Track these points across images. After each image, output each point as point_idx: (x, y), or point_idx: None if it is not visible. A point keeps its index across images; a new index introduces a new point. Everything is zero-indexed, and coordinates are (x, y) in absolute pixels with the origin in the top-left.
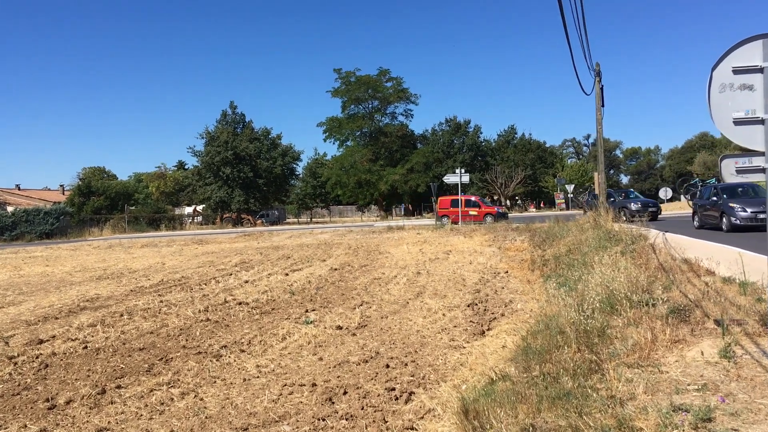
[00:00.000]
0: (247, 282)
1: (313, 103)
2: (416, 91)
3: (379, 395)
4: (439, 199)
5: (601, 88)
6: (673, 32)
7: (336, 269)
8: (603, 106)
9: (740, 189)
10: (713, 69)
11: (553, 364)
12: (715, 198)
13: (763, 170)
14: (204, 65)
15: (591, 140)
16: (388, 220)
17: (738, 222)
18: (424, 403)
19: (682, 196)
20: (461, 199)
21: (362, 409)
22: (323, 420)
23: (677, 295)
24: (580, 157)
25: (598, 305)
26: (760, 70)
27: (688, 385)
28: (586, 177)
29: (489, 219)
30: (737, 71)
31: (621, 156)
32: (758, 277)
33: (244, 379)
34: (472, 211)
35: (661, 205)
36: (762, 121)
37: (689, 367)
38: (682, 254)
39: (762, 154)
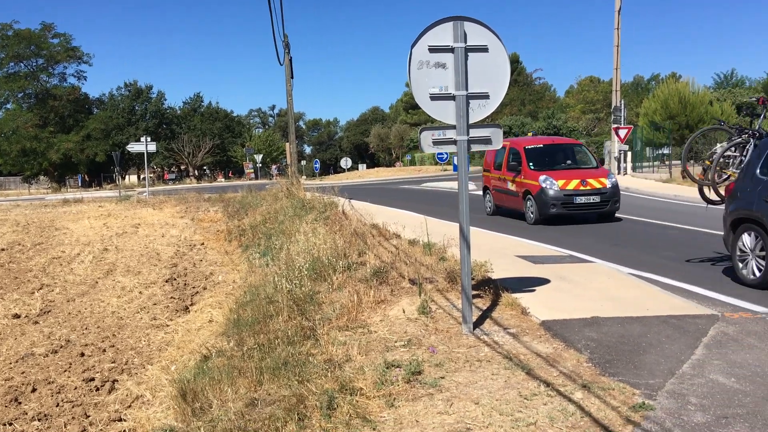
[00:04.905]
0: None
1: None
2: (90, 51)
3: (76, 388)
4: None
5: (290, 60)
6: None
7: (3, 249)
8: (292, 77)
9: None
10: (413, 46)
11: (267, 334)
12: None
13: (454, 142)
14: None
15: (276, 111)
16: (62, 192)
17: None
18: (131, 390)
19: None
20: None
21: (57, 405)
22: (10, 425)
23: (372, 258)
24: (267, 127)
25: (305, 272)
26: (451, 50)
27: (396, 342)
28: (274, 147)
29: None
30: (433, 50)
31: (304, 127)
32: (438, 239)
33: None
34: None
35: (342, 173)
36: (453, 97)
37: (394, 325)
38: (371, 220)
39: (453, 127)
